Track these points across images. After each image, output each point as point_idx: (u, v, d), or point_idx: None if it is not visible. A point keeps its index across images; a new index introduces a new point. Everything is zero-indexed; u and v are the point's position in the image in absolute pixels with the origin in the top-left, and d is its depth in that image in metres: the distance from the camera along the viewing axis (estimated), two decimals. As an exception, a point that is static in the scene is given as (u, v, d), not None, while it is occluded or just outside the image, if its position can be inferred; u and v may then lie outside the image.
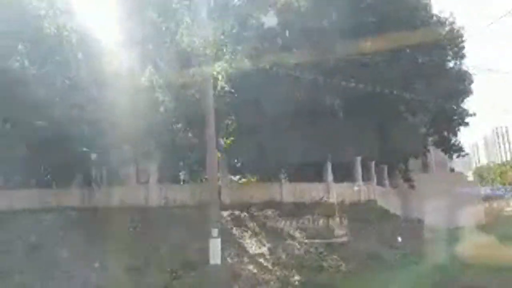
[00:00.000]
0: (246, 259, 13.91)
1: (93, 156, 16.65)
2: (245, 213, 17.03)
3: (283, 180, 19.45)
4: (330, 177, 20.49)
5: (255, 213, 17.18)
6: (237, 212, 16.99)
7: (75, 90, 14.11)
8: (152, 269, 12.50)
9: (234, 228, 15.85)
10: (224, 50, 13.14)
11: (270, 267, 13.65)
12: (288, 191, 19.31)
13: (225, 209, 16.95)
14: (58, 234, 13.53)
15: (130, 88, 14.08)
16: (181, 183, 21.39)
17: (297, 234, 16.00)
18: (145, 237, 14.20)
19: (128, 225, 14.57)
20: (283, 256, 14.38)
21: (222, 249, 11.37)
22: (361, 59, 16.77)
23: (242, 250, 14.56)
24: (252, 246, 14.85)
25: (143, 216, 15.55)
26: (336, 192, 19.65)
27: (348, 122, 17.71)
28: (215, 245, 11.03)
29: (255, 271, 13.29)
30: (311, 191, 19.71)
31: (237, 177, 24.11)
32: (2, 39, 13.00)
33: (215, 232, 11.06)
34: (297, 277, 13.07)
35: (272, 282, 12.79)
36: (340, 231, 16.48)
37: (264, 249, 14.73)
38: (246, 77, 14.08)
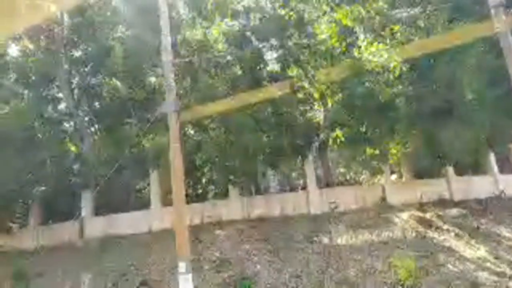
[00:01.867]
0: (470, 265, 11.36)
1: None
2: (427, 214, 14.55)
3: (450, 175, 16.69)
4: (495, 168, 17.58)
5: (439, 213, 14.64)
6: (416, 213, 14.59)
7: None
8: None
9: (428, 230, 13.41)
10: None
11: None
12: (457, 187, 16.58)
13: (401, 210, 14.72)
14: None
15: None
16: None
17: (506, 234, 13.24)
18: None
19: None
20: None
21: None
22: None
23: (453, 253, 12.05)
24: (465, 249, 12.29)
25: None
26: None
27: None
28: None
29: (494, 278, 10.70)
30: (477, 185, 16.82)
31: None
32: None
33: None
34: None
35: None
36: None
37: (481, 253, 12.11)
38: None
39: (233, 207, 15.40)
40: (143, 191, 17.23)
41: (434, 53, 12.74)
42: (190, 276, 7.50)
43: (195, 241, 13.41)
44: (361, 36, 16.61)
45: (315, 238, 12.77)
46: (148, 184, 16.59)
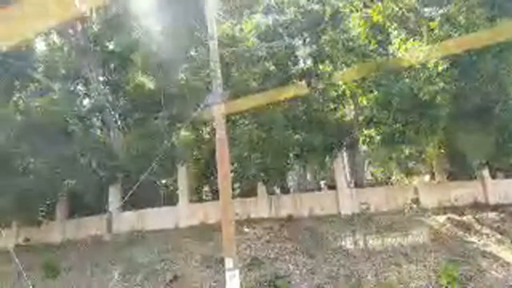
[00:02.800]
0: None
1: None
2: (464, 217, 13.98)
3: (486, 177, 16.01)
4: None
5: (476, 216, 14.05)
6: (452, 215, 14.04)
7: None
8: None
9: (466, 234, 12.86)
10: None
11: None
12: (492, 190, 15.91)
13: (436, 212, 14.20)
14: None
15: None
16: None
17: None
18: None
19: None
20: None
21: None
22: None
23: (496, 259, 11.50)
24: (508, 255, 11.71)
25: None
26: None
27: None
28: None
29: None
30: None
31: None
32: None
33: None
34: None
35: None
36: None
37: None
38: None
39: (261, 205, 15.16)
40: (170, 187, 17.09)
41: (477, 50, 12.22)
42: (237, 272, 7.26)
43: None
44: (394, 33, 16.25)
45: (347, 240, 12.41)
46: (175, 181, 16.46)
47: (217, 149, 7.93)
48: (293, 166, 15.13)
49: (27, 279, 14.10)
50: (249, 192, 16.09)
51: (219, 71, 8.14)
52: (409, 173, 15.52)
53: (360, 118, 13.78)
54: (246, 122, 12.87)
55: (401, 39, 14.56)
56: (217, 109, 7.88)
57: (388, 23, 16.15)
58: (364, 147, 16.50)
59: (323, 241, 12.53)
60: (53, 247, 16.69)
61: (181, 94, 14.29)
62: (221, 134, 7.88)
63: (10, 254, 16.82)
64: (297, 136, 13.47)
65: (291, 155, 14.28)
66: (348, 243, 12.20)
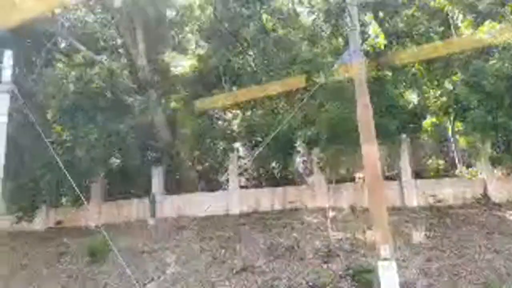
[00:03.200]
0: None
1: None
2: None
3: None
4: None
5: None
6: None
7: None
8: None
9: None
10: None
11: None
12: None
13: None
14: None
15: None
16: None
17: None
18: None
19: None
20: None
21: None
22: None
23: None
24: None
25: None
26: None
27: None
28: None
29: None
30: None
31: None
32: None
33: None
34: None
35: None
36: None
37: None
38: None
39: (318, 193, 14.11)
40: (219, 171, 16.04)
41: None
42: (393, 263, 6.16)
43: (286, 227, 12.25)
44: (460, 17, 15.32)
45: (425, 233, 11.37)
46: (220, 163, 15.33)
47: (359, 118, 6.74)
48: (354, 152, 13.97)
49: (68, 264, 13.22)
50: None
51: (357, 25, 7.02)
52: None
53: (438, 103, 12.62)
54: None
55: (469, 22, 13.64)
56: (358, 69, 6.74)
57: (451, 7, 15.27)
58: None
59: (398, 233, 11.46)
60: (89, 230, 15.73)
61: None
62: (364, 100, 6.66)
63: (45, 236, 16.05)
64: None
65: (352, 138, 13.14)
66: (427, 237, 11.13)
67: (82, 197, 16.10)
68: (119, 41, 16.45)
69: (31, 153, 14.66)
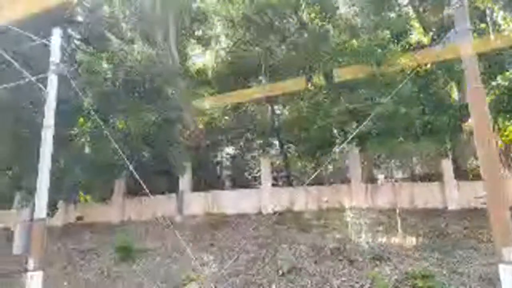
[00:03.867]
0: None
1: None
2: None
3: None
4: None
5: None
6: None
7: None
8: None
9: None
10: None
11: None
12: None
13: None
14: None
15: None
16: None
17: None
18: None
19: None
20: None
21: None
22: None
23: None
24: None
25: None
26: None
27: None
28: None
29: None
30: None
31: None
32: None
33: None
34: None
35: None
36: None
37: None
38: None
39: (355, 193, 13.45)
40: (250, 167, 15.41)
41: None
42: None
43: (327, 227, 11.59)
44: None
45: (479, 236, 10.68)
46: (253, 158, 14.70)
47: (472, 105, 5.91)
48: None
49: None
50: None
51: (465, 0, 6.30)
52: None
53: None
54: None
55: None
56: (466, 49, 5.97)
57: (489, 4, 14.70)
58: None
59: (449, 237, 10.81)
60: (112, 226, 15.13)
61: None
62: (476, 82, 5.78)
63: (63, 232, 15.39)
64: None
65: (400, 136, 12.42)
66: (482, 241, 10.45)
67: (105, 193, 15.76)
68: (146, 31, 15.80)
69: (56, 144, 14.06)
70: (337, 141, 11.91)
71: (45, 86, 7.67)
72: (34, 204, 6.82)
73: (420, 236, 10.89)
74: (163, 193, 15.55)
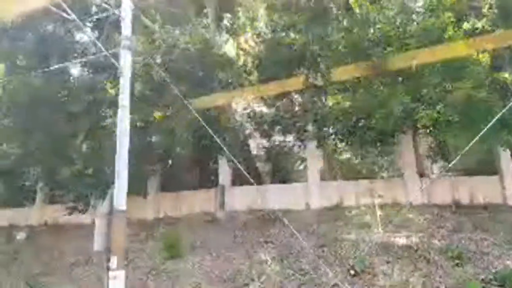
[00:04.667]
0: None
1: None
2: None
3: None
4: None
5: None
6: None
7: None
8: None
9: None
10: None
11: None
12: None
13: None
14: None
15: None
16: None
17: None
18: None
19: None
20: None
21: None
22: None
23: None
24: None
25: None
26: None
27: None
28: None
29: None
30: None
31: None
32: None
33: None
34: None
35: None
36: None
37: None
38: None
39: (410, 188, 12.66)
40: (294, 160, 14.64)
41: None
42: None
43: (387, 224, 10.80)
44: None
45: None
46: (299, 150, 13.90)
47: None
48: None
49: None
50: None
51: None
52: None
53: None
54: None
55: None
56: None
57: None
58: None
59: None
60: (147, 223, 14.43)
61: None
62: None
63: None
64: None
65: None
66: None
67: (139, 187, 15.02)
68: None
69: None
70: (399, 131, 11.08)
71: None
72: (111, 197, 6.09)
73: (491, 232, 10.10)
74: (200, 187, 14.86)
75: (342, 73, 11.65)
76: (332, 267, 9.08)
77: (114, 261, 5.57)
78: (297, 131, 12.15)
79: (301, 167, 14.67)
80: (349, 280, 8.54)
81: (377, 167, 13.50)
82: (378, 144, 11.51)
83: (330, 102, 11.55)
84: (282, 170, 14.67)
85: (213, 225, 12.81)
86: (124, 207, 5.96)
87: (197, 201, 14.29)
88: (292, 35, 12.99)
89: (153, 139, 13.34)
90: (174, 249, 11.00)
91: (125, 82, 6.55)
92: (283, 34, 13.21)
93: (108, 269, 5.60)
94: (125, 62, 6.56)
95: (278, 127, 12.35)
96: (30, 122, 13.70)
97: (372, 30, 12.04)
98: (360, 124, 10.75)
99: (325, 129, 11.68)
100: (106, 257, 5.95)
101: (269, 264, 9.57)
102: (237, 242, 11.17)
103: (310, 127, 12.00)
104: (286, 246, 10.38)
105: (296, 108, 12.87)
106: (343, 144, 11.59)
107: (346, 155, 13.62)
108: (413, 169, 12.80)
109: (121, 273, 5.57)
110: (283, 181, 13.91)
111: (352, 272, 8.73)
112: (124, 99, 6.54)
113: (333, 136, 11.83)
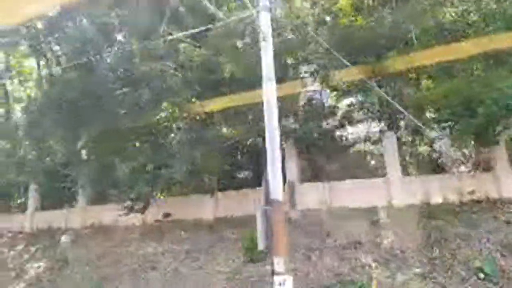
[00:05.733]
0: None
1: None
2: None
3: None
4: None
5: None
6: None
7: None
8: None
9: None
10: None
11: None
12: None
13: None
14: None
15: None
16: None
17: None
18: None
19: None
20: None
21: None
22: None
23: None
24: None
25: None
26: None
27: None
28: None
29: None
30: None
31: None
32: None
33: None
34: None
35: None
36: None
37: None
38: None
39: (504, 183, 11.40)
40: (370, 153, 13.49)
41: None
42: None
43: (491, 223, 9.61)
44: None
45: None
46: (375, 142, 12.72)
47: None
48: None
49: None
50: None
51: None
52: None
53: None
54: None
55: None
56: None
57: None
58: None
59: None
60: (205, 224, 13.40)
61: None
62: None
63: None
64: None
65: None
66: None
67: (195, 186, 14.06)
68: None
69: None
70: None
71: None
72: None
73: None
74: (259, 185, 13.78)
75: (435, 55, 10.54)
76: (454, 269, 7.93)
77: (280, 263, 4.48)
78: (388, 118, 10.97)
79: (373, 161, 13.52)
80: (481, 284, 7.38)
81: (462, 159, 12.27)
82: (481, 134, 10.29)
83: (425, 87, 10.38)
84: (357, 163, 13.47)
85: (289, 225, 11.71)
86: (281, 198, 4.91)
87: (256, 200, 13.19)
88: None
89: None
90: (254, 252, 9.93)
91: (268, 47, 5.50)
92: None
93: (273, 273, 4.52)
94: (266, 26, 5.51)
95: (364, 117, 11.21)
96: (82, 118, 12.84)
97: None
98: (462, 111, 9.57)
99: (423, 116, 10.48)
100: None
101: (374, 268, 8.44)
102: (323, 245, 10.06)
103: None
104: (384, 248, 9.23)
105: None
106: (444, 131, 10.36)
107: (425, 147, 12.42)
108: (505, 162, 11.55)
109: (289, 279, 4.45)
110: (358, 175, 12.76)
111: (481, 275, 7.57)
112: (269, 70, 5.47)
113: (432, 124, 10.61)
